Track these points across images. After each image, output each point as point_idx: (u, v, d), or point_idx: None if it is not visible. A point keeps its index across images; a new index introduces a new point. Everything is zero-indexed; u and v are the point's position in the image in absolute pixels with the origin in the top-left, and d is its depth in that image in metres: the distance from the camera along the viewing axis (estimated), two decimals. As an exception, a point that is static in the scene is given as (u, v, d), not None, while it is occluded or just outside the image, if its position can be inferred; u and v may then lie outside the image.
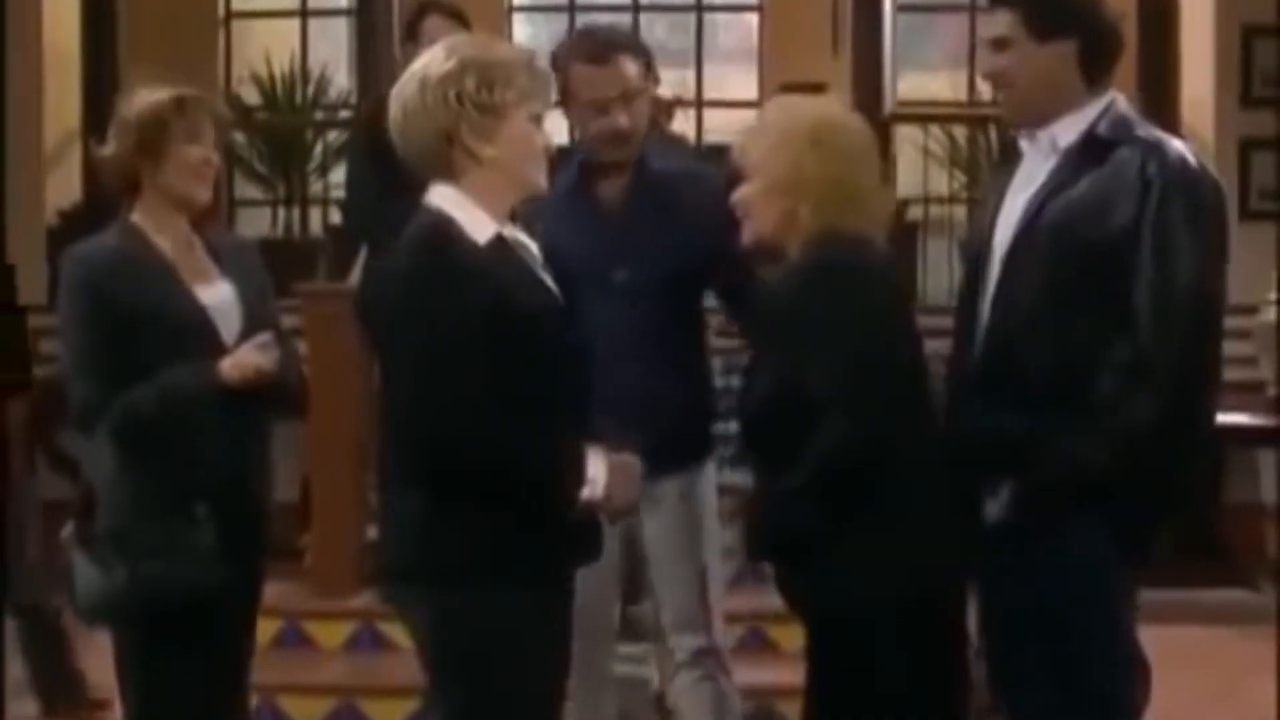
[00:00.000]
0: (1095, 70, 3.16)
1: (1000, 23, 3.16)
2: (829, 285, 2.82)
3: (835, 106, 3.07)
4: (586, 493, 2.73)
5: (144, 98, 3.38)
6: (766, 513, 2.91)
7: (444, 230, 2.72)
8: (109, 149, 3.39)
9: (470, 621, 2.68)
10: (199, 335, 3.31)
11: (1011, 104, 3.20)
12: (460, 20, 4.94)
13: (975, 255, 3.24)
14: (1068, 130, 3.14)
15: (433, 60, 2.78)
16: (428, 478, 2.69)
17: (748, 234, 3.00)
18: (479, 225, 2.74)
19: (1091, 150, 3.11)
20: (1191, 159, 3.11)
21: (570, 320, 2.83)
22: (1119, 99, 3.19)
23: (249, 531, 3.37)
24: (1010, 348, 3.10)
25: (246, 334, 3.34)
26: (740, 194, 2.98)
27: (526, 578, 2.71)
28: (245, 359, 3.28)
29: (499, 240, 2.76)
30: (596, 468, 2.73)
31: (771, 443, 2.88)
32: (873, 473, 2.77)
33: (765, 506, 2.92)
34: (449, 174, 2.77)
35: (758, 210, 2.96)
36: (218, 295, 3.38)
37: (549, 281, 2.83)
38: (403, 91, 2.79)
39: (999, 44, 3.17)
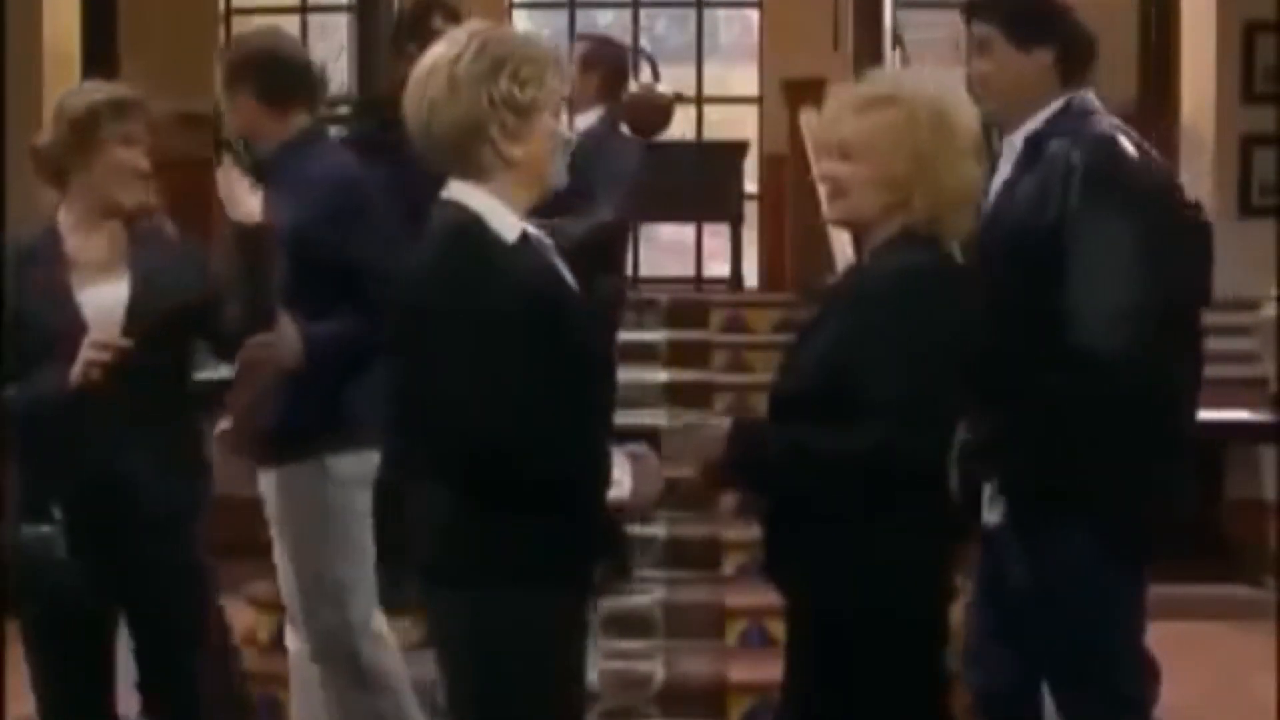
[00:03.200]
0: (1071, 75, 3.26)
1: (982, 29, 3.29)
2: (928, 292, 2.72)
3: (944, 87, 2.89)
4: (614, 493, 2.71)
5: (82, 93, 3.36)
6: (776, 464, 2.79)
7: (474, 228, 2.67)
8: (41, 139, 3.36)
9: (496, 621, 2.65)
10: (71, 338, 3.22)
11: (992, 107, 3.26)
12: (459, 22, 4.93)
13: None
14: (1026, 130, 3.25)
15: (461, 55, 2.68)
16: (462, 477, 2.65)
17: (838, 211, 2.87)
18: (506, 223, 2.69)
19: (1035, 146, 3.20)
20: (1124, 145, 3.16)
21: (592, 320, 2.79)
22: (1078, 96, 3.27)
23: (113, 536, 3.30)
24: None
25: (126, 333, 3.25)
26: (838, 171, 2.83)
27: (555, 579, 2.69)
28: (83, 356, 3.19)
29: (525, 238, 2.72)
30: (620, 467, 2.71)
31: (800, 418, 2.79)
32: (894, 481, 2.72)
33: (777, 460, 2.78)
34: (475, 173, 2.70)
35: (857, 197, 2.80)
36: (106, 295, 3.31)
37: (571, 280, 2.78)
38: (428, 87, 2.69)
39: (982, 47, 3.28)
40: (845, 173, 2.81)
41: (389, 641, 3.96)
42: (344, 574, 3.86)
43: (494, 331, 2.59)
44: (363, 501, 3.85)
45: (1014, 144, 3.26)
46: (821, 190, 3.01)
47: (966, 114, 2.84)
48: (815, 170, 3.06)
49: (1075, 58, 3.26)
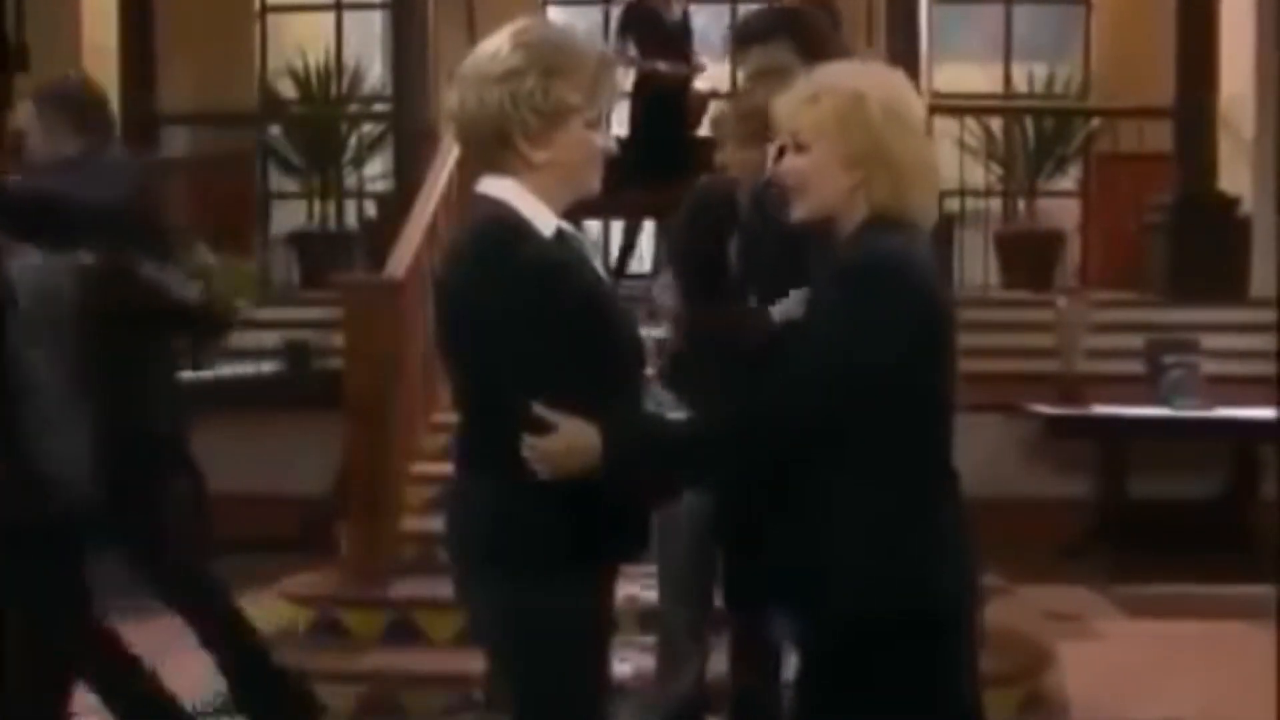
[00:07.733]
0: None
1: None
2: (895, 273, 2.66)
3: (891, 75, 2.82)
4: None
5: None
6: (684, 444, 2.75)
7: (511, 220, 2.67)
8: None
9: (546, 607, 2.65)
10: None
11: None
12: None
13: None
14: None
15: (498, 51, 2.68)
16: (512, 468, 2.63)
17: (801, 210, 2.79)
18: (542, 219, 2.70)
19: None
20: None
21: (628, 315, 2.82)
22: None
23: None
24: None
25: None
26: (795, 164, 2.77)
27: (598, 563, 2.71)
28: None
29: (560, 234, 2.72)
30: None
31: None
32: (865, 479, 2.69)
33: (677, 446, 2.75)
34: (501, 171, 2.71)
35: (818, 184, 2.74)
36: None
37: (606, 277, 2.81)
38: (462, 83, 2.70)
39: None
40: (803, 164, 2.77)
41: None
42: None
43: (530, 320, 2.60)
44: None
45: None
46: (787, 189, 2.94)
47: (914, 99, 2.80)
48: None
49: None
